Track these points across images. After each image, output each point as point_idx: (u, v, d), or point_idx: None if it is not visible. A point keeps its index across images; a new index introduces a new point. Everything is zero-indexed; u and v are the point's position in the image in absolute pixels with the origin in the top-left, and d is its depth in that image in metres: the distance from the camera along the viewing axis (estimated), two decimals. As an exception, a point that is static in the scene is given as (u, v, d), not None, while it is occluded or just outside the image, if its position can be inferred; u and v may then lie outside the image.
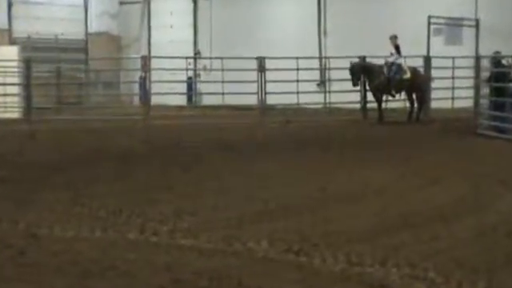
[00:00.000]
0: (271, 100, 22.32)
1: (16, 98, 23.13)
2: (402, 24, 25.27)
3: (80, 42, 30.92)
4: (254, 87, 22.02)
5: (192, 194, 9.85)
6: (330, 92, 24.34)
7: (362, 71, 20.78)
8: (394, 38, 20.76)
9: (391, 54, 20.63)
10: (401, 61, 20.74)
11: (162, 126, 20.14)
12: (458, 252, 6.74)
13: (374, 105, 21.07)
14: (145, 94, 22.11)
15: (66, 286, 5.76)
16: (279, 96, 21.70)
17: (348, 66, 20.85)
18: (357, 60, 21.18)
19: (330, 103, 24.01)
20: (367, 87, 21.33)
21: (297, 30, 28.00)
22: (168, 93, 23.73)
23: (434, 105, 22.49)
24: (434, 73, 22.62)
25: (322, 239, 7.13)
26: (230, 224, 7.87)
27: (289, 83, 22.08)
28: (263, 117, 21.81)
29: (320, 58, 26.66)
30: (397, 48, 20.60)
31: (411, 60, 22.42)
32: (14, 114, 22.86)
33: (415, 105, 20.98)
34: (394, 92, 20.70)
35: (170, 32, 31.69)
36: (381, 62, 20.96)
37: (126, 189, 10.17)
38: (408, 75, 20.70)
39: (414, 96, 20.97)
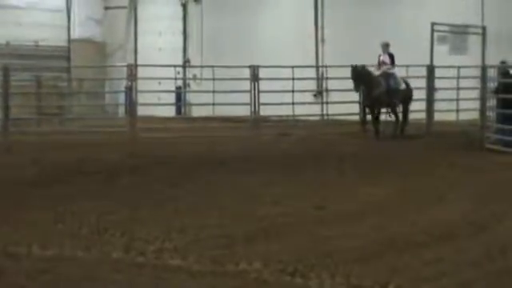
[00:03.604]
0: (265, 111, 22.28)
1: (-7, 109, 23.07)
2: (403, 31, 25.36)
3: (62, 49, 30.90)
4: (246, 98, 22.00)
5: (181, 211, 9.83)
6: (327, 103, 24.34)
7: (362, 78, 20.24)
8: (385, 45, 20.50)
9: (382, 63, 20.37)
10: (395, 71, 20.59)
11: (149, 139, 20.12)
12: (465, 275, 6.73)
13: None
14: (131, 104, 22.05)
15: (45, 310, 5.73)
16: (274, 107, 21.66)
17: (346, 75, 20.78)
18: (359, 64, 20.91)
19: (327, 115, 24.01)
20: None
21: (292, 37, 28.04)
22: (155, 103, 23.71)
23: (437, 117, 22.53)
24: (437, 83, 22.67)
25: (319, 260, 7.12)
26: (221, 243, 7.85)
27: (284, 93, 22.08)
28: (256, 129, 21.80)
29: (317, 67, 26.71)
30: (391, 57, 20.39)
31: (414, 70, 22.50)
32: (-9, 125, 22.79)
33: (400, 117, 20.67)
34: (397, 103, 20.53)
35: (158, 39, 31.71)
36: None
37: (111, 206, 10.14)
38: (404, 86, 20.58)
39: (401, 108, 20.71)
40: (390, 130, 20.50)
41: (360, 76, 20.09)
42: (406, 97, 20.66)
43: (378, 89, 20.16)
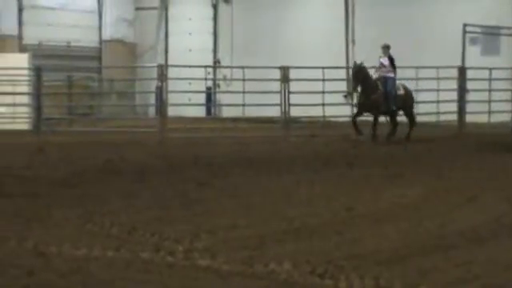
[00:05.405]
0: (295, 112, 22.28)
1: (25, 109, 23.31)
2: (435, 32, 25.26)
3: (93, 49, 31.13)
4: (276, 98, 22.02)
5: (210, 211, 9.85)
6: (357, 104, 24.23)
7: (360, 78, 19.80)
8: (386, 47, 20.10)
9: (382, 66, 19.99)
10: (393, 75, 20.13)
11: (179, 140, 20.18)
12: (496, 278, 6.67)
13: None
14: (161, 105, 22.15)
15: (75, 309, 5.76)
16: (304, 108, 21.65)
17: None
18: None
19: (357, 116, 23.88)
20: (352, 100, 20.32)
21: (323, 38, 28.01)
22: (186, 104, 23.79)
23: (469, 119, 22.38)
24: (469, 85, 22.55)
25: (348, 261, 7.09)
26: (251, 244, 7.85)
27: (314, 94, 22.05)
28: (286, 130, 21.80)
29: (347, 68, 26.64)
30: (391, 60, 19.99)
31: (445, 71, 22.36)
32: (23, 125, 23.03)
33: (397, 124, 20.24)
34: (394, 108, 19.90)
35: (189, 39, 31.82)
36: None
37: (141, 206, 10.18)
38: (402, 91, 20.08)
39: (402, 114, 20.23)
40: (387, 133, 20.05)
41: (359, 76, 19.65)
42: (406, 102, 20.17)
43: (375, 92, 19.70)
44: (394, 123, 20.20)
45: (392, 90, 19.80)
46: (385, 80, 19.83)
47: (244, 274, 6.76)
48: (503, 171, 14.21)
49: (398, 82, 20.35)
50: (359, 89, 19.99)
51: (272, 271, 6.83)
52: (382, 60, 20.05)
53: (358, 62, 20.27)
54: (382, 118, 20.31)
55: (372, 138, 19.75)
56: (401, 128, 20.36)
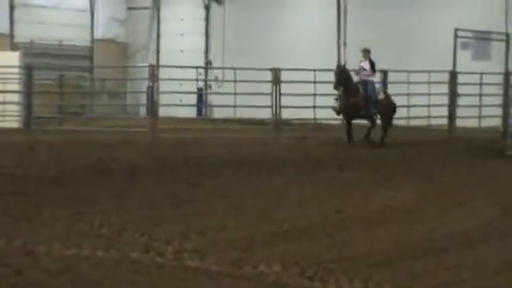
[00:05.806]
0: (286, 114, 22.25)
1: (16, 107, 23.21)
2: (427, 37, 25.28)
3: (85, 48, 31.03)
4: (267, 100, 21.99)
5: (200, 212, 9.83)
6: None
7: (343, 79, 19.36)
8: (367, 51, 19.76)
9: (362, 69, 19.69)
10: (374, 79, 19.94)
11: (170, 140, 20.14)
12: (485, 282, 6.67)
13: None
14: (152, 105, 22.11)
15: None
16: (295, 110, 21.64)
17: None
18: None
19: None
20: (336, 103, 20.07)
21: (315, 41, 27.99)
22: (177, 104, 23.75)
23: (459, 123, 22.41)
24: (460, 89, 22.56)
25: (337, 264, 7.09)
26: (240, 245, 7.83)
27: (305, 97, 22.03)
28: (277, 132, 21.78)
29: (339, 71, 26.61)
30: (372, 64, 19.70)
31: (436, 75, 22.38)
32: (13, 123, 22.93)
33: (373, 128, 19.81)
34: (374, 112, 19.59)
35: (180, 40, 31.78)
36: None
37: (131, 206, 10.15)
38: (382, 96, 19.94)
39: (379, 119, 19.97)
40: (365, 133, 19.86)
41: (341, 79, 19.30)
42: (387, 108, 19.92)
43: (355, 95, 19.35)
44: (372, 125, 20.02)
45: (372, 94, 19.65)
46: (365, 84, 19.71)
47: (233, 276, 6.74)
48: (493, 176, 14.24)
49: (378, 86, 20.20)
50: (341, 90, 19.77)
51: (261, 273, 6.82)
52: (362, 64, 19.84)
53: (342, 63, 20.18)
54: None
55: (348, 140, 19.50)
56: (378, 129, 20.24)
